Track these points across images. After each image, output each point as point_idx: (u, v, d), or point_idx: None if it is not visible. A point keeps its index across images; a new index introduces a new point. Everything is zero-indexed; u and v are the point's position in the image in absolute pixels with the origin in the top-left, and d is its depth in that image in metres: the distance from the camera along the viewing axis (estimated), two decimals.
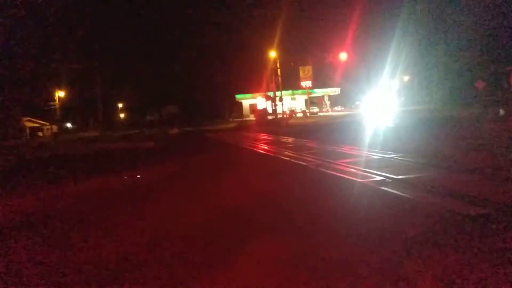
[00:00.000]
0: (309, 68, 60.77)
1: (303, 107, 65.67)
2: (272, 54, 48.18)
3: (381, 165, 8.91)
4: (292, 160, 11.42)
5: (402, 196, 6.16)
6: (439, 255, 3.75)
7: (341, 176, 8.20)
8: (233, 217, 5.93)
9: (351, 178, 7.90)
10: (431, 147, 11.27)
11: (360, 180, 7.62)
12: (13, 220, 6.75)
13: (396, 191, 6.44)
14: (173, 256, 4.38)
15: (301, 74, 61.17)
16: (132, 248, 4.78)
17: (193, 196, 7.74)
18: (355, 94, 65.54)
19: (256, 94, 62.00)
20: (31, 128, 61.61)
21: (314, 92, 66.20)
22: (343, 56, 49.12)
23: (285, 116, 49.54)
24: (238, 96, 70.72)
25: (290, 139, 18.69)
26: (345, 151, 12.01)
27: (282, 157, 12.32)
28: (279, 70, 48.67)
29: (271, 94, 51.78)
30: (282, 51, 49.91)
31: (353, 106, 73.46)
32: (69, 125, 77.70)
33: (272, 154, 13.74)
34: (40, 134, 62.25)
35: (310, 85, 61.46)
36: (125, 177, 10.61)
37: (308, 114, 58.16)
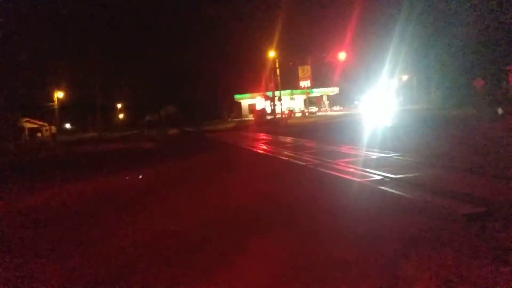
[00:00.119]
0: (308, 68, 60.71)
1: (302, 107, 65.67)
2: (271, 54, 48.21)
3: (380, 164, 8.94)
4: (291, 160, 11.45)
5: (401, 195, 6.19)
6: (437, 254, 3.77)
7: (340, 176, 8.23)
8: (232, 217, 5.94)
9: (349, 177, 7.92)
10: (430, 146, 11.30)
11: (358, 179, 7.65)
12: None
13: (394, 190, 6.47)
14: (171, 255, 4.41)
15: (300, 74, 61.12)
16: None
17: (193, 196, 7.75)
18: (354, 93, 65.63)
19: (255, 94, 61.97)
20: (30, 129, 61.52)
21: (312, 92, 66.17)
22: (342, 55, 49.09)
23: (284, 116, 49.55)
24: (237, 96, 70.70)
25: (289, 139, 18.71)
26: (344, 151, 12.03)
27: (281, 157, 12.34)
28: (278, 70, 48.69)
29: (270, 94, 51.80)
30: (281, 51, 49.93)
31: (351, 106, 73.44)
32: (68, 125, 77.62)
33: (271, 154, 13.76)
34: (39, 135, 62.16)
35: (309, 85, 61.37)
36: (127, 177, 10.61)
37: (307, 114, 58.15)
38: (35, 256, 4.79)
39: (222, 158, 14.63)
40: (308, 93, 63.00)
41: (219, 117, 71.86)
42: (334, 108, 74.09)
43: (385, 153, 10.47)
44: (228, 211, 6.33)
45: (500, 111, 19.34)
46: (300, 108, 65.69)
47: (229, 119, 67.68)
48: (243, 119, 63.21)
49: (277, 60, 48.39)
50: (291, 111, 59.76)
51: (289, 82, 59.70)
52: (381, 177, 7.53)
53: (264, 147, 16.40)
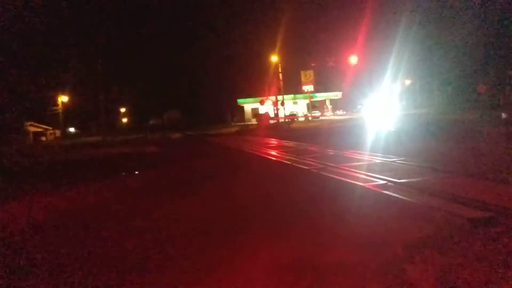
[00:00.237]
0: (310, 73, 60.82)
1: (305, 111, 65.71)
2: (274, 58, 48.35)
3: (383, 169, 8.92)
4: (294, 164, 11.44)
5: (404, 200, 6.17)
6: (440, 259, 3.76)
7: (343, 180, 8.22)
8: (235, 220, 5.94)
9: (353, 182, 7.91)
10: (433, 151, 11.27)
11: (362, 184, 7.64)
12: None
13: (398, 195, 6.45)
14: (177, 255, 4.42)
15: (302, 78, 61.21)
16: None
17: (197, 198, 7.76)
18: (357, 98, 65.66)
19: (258, 98, 62.06)
20: (34, 133, 61.82)
21: (315, 96, 66.22)
22: (345, 60, 49.19)
23: (287, 120, 49.58)
24: (240, 101, 70.83)
25: (292, 143, 18.71)
26: (347, 155, 12.02)
27: (284, 161, 12.34)
28: (281, 75, 48.81)
29: (273, 98, 51.88)
30: (284, 55, 50.08)
31: (354, 110, 73.44)
32: (72, 129, 77.98)
33: (274, 158, 13.76)
34: (43, 138, 62.45)
35: (312, 89, 61.49)
36: (129, 181, 10.62)
37: (310, 118, 58.19)
38: None
39: (225, 162, 14.65)
40: (311, 97, 63.04)
41: (222, 121, 72.02)
42: (337, 112, 74.09)
43: (388, 158, 10.46)
44: (230, 214, 6.34)
45: (503, 115, 19.29)
46: (303, 113, 65.73)
47: (232, 123, 67.76)
48: (246, 123, 63.27)
49: (280, 65, 48.50)
50: (294, 116, 59.79)
51: (292, 87, 59.80)
52: (385, 182, 7.51)
53: (267, 151, 16.40)
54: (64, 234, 5.87)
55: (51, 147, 38.17)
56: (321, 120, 53.43)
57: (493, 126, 16.66)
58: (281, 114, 50.59)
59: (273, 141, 21.75)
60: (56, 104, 60.05)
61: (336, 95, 70.53)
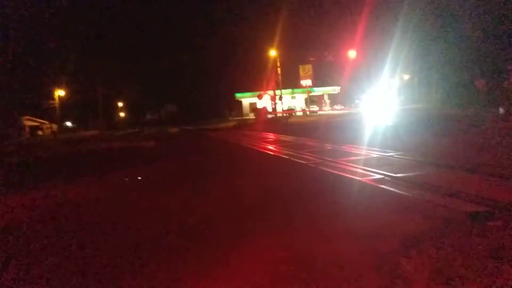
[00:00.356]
0: (309, 67, 60.69)
1: (303, 106, 65.66)
2: (272, 53, 48.21)
3: (380, 163, 8.92)
4: (292, 158, 11.43)
5: (401, 194, 6.17)
6: (437, 253, 3.76)
7: (341, 174, 8.22)
8: (233, 213, 5.93)
9: (350, 176, 7.91)
10: (431, 145, 11.28)
11: (359, 178, 7.63)
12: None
13: (394, 189, 6.45)
14: (177, 249, 4.41)
15: (301, 72, 61.09)
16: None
17: (196, 191, 7.75)
18: (355, 92, 65.59)
19: (256, 93, 61.98)
20: (31, 127, 61.63)
21: (314, 91, 66.15)
22: (343, 54, 49.12)
23: (285, 115, 49.54)
24: (238, 95, 70.70)
25: (290, 138, 18.69)
26: (345, 150, 12.02)
27: (282, 156, 12.33)
28: (279, 69, 48.72)
29: (271, 93, 51.81)
30: (282, 50, 49.94)
31: (353, 105, 73.38)
32: (69, 124, 77.75)
33: (272, 153, 13.75)
34: (40, 133, 62.28)
35: (310, 84, 61.39)
36: (126, 178, 10.58)
37: (308, 112, 58.16)
38: None
39: (223, 156, 14.63)
40: (309, 92, 62.97)
41: (219, 115, 71.96)
42: (335, 107, 74.05)
43: (386, 152, 10.46)
44: (228, 208, 6.33)
45: (501, 110, 19.30)
46: (301, 107, 65.68)
47: (230, 118, 67.71)
48: (244, 117, 63.23)
49: (278, 59, 48.39)
50: (292, 110, 59.74)
51: (290, 81, 59.75)
52: (382, 176, 7.51)
53: (265, 145, 16.39)
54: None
55: (48, 142, 38.07)
56: (319, 114, 53.41)
57: (490, 121, 16.67)
58: (279, 108, 50.56)
59: (271, 136, 21.74)
60: (52, 98, 59.81)
61: (334, 89, 70.47)
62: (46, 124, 64.96)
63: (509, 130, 13.68)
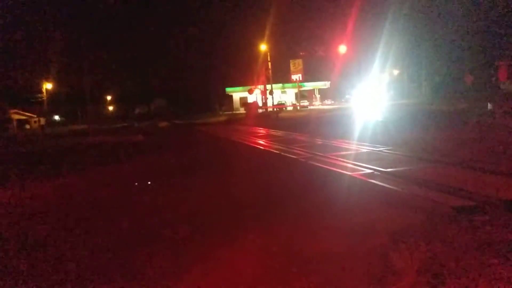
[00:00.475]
0: (299, 62, 60.69)
1: (294, 101, 65.70)
2: (263, 47, 48.06)
3: (370, 158, 8.98)
4: (282, 153, 11.44)
5: (390, 188, 6.22)
6: (426, 247, 3.79)
7: (331, 169, 8.25)
8: (223, 208, 5.92)
9: (340, 171, 7.94)
10: (420, 140, 11.37)
11: (349, 173, 7.67)
12: None
13: (384, 184, 6.50)
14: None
15: (291, 67, 61.09)
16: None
17: (187, 186, 7.71)
18: (345, 88, 65.90)
19: (247, 87, 61.82)
20: (19, 121, 60.71)
21: (304, 86, 66.21)
22: (334, 49, 49.20)
23: (275, 109, 49.53)
24: (228, 89, 70.44)
25: (280, 133, 18.70)
26: (335, 145, 12.06)
27: (273, 151, 12.33)
28: (269, 64, 48.60)
29: (261, 87, 51.71)
30: (273, 44, 49.83)
31: (343, 100, 73.69)
32: (57, 117, 76.76)
33: (262, 148, 13.75)
34: (28, 126, 61.41)
35: (301, 79, 61.42)
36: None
37: (298, 107, 58.21)
38: None
39: (213, 151, 14.58)
40: (300, 86, 63.02)
41: (210, 110, 71.67)
42: (326, 102, 74.26)
43: (375, 147, 10.52)
44: (221, 200, 6.32)
45: (489, 106, 19.52)
46: (291, 102, 65.70)
47: (220, 112, 67.51)
48: (234, 112, 63.07)
49: (269, 54, 48.27)
50: (282, 105, 59.73)
51: (280, 76, 59.69)
52: (371, 171, 7.56)
53: (256, 140, 16.38)
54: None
55: (38, 135, 37.54)
56: (310, 109, 53.51)
57: (479, 117, 16.86)
58: (270, 103, 50.52)
59: (262, 131, 21.72)
60: (40, 92, 58.93)
61: (324, 84, 70.59)
62: (34, 117, 64.04)
63: (497, 125, 13.85)
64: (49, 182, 9.59)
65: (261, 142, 15.53)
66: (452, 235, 4.04)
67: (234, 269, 3.76)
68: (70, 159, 14.59)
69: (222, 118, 45.10)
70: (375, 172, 7.42)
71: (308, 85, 68.74)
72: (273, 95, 50.68)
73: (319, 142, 13.10)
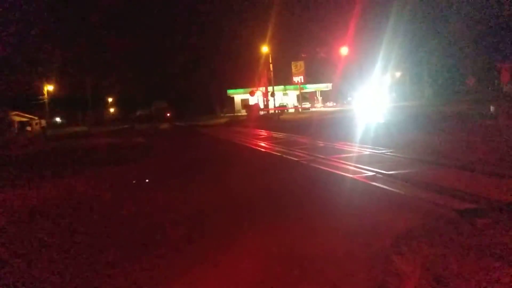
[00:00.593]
0: (301, 64, 60.69)
1: (295, 103, 65.67)
2: (265, 49, 48.09)
3: (372, 160, 8.94)
4: (284, 155, 11.41)
5: (392, 191, 6.18)
6: (428, 250, 3.76)
7: (332, 172, 8.21)
8: (224, 210, 5.90)
9: (342, 173, 7.91)
10: (422, 143, 11.34)
11: (351, 175, 7.64)
12: None
13: (386, 187, 6.46)
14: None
15: (293, 69, 61.07)
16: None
17: (187, 188, 7.70)
18: (347, 90, 65.79)
19: (248, 89, 61.84)
20: (20, 123, 60.83)
21: (306, 88, 66.19)
22: (336, 51, 49.20)
23: (277, 111, 49.53)
24: (229, 91, 70.47)
25: (282, 135, 18.68)
26: (337, 147, 12.03)
27: (274, 153, 12.30)
28: (271, 65, 48.62)
29: (263, 89, 51.73)
30: (275, 46, 49.86)
31: (345, 102, 73.62)
32: (58, 119, 76.90)
33: (264, 150, 13.72)
34: (29, 128, 61.51)
35: (302, 81, 61.40)
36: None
37: (300, 109, 58.19)
38: None
39: (215, 153, 14.56)
40: (302, 88, 63.01)
41: (211, 112, 71.65)
42: (327, 104, 74.21)
43: (377, 150, 10.48)
44: (222, 202, 6.30)
45: (492, 108, 19.46)
46: (293, 104, 65.69)
47: (222, 114, 67.49)
48: (236, 114, 63.07)
49: (270, 56, 48.30)
50: (284, 107, 59.73)
51: (282, 78, 59.70)
52: (373, 173, 7.52)
53: (257, 142, 16.35)
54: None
55: (35, 137, 37.59)
56: (311, 111, 53.46)
57: (481, 119, 16.82)
58: (271, 105, 50.52)
59: (263, 133, 21.71)
60: (41, 94, 59.07)
61: (326, 86, 70.56)
62: (35, 119, 64.15)
63: (500, 127, 13.81)
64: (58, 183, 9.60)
65: (262, 144, 15.50)
66: (455, 238, 4.01)
67: (234, 272, 3.73)
68: (70, 162, 14.60)
69: (224, 120, 45.10)
70: (377, 175, 7.38)
71: (310, 87, 68.71)
72: (275, 97, 50.66)
73: (321, 144, 13.07)
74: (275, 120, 35.58)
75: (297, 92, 64.96)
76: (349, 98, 71.24)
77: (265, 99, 51.31)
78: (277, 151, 12.44)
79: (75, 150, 19.28)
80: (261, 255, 4.06)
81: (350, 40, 45.77)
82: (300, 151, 11.67)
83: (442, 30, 42.17)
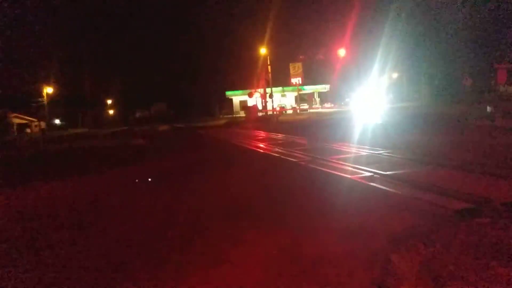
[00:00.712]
0: (299, 65, 60.77)
1: (294, 104, 65.71)
2: (263, 51, 48.15)
3: (370, 161, 9.00)
4: (282, 156, 11.46)
5: (390, 191, 6.23)
6: (426, 250, 3.80)
7: (331, 172, 8.26)
8: (224, 211, 5.93)
9: (340, 174, 7.96)
10: (419, 143, 11.40)
11: (349, 176, 7.69)
12: None
13: (383, 187, 6.51)
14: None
15: (291, 71, 61.14)
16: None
17: (187, 189, 7.73)
18: (345, 91, 65.85)
19: (247, 91, 61.81)
20: (19, 125, 60.74)
21: (304, 89, 66.22)
22: (333, 53, 49.31)
23: (275, 112, 49.55)
24: (228, 93, 70.46)
25: (280, 136, 18.72)
26: (335, 148, 12.08)
27: (273, 154, 12.35)
28: (269, 67, 48.65)
29: (261, 91, 51.78)
30: (273, 48, 49.93)
31: (342, 103, 73.62)
32: (57, 121, 76.75)
33: (262, 151, 13.77)
34: (28, 130, 61.41)
35: (300, 82, 61.45)
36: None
37: (298, 110, 58.22)
38: None
39: (214, 154, 14.58)
40: (300, 90, 63.06)
41: (210, 113, 71.59)
42: (325, 105, 74.22)
43: (375, 150, 10.54)
44: (222, 203, 6.34)
45: (489, 109, 19.55)
46: (291, 105, 65.73)
47: (220, 116, 67.44)
48: (234, 115, 63.05)
49: (268, 57, 48.34)
50: (282, 108, 59.74)
51: (280, 79, 59.73)
52: (371, 174, 7.57)
53: (256, 143, 16.40)
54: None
55: (34, 139, 37.55)
56: (309, 112, 53.47)
57: (478, 120, 16.89)
58: (270, 106, 50.54)
59: (262, 134, 21.74)
60: (41, 96, 58.99)
61: (324, 88, 70.57)
62: (34, 121, 64.05)
63: (497, 128, 13.88)
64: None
65: (261, 145, 15.55)
66: (453, 237, 4.05)
67: (234, 273, 3.77)
68: (69, 164, 14.61)
69: (222, 122, 45.06)
70: (375, 175, 7.44)
71: (308, 89, 68.72)
72: (273, 98, 50.68)
73: (319, 145, 13.12)
74: (273, 122, 35.59)
75: (295, 94, 65.00)
76: (347, 99, 71.22)
77: (263, 100, 51.35)
78: (276, 152, 12.49)
79: (75, 152, 19.28)
80: (260, 256, 4.10)
81: (348, 42, 45.92)
82: (299, 152, 11.72)
83: (439, 32, 42.32)
